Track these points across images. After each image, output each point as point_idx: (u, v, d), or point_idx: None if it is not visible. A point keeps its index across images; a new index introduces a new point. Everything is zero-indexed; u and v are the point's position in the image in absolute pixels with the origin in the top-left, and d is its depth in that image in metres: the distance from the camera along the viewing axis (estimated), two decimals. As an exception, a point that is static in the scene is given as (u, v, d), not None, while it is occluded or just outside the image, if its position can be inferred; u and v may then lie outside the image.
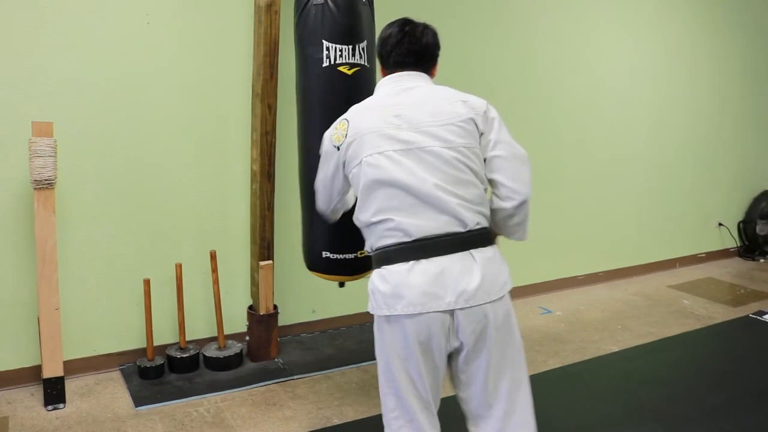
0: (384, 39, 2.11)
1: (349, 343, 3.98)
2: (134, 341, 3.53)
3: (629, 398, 3.40)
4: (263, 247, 3.59)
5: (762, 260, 6.39)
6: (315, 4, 2.83)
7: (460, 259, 1.88)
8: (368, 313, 4.52)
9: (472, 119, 1.97)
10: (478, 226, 1.92)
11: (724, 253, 6.43)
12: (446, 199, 1.87)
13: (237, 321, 3.77)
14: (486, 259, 1.92)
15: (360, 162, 1.95)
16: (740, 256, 6.50)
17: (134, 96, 3.38)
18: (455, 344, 1.93)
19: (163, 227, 3.54)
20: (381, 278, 1.93)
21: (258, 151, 3.50)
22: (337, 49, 2.81)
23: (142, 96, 3.39)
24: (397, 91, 2.04)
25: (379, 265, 1.95)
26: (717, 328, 4.49)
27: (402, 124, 1.94)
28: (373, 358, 3.69)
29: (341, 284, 3.05)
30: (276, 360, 3.67)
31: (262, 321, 3.63)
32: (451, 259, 1.87)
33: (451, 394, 2.14)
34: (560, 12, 4.83)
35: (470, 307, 1.87)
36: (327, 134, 2.12)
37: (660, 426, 3.10)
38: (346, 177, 2.08)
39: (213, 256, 3.53)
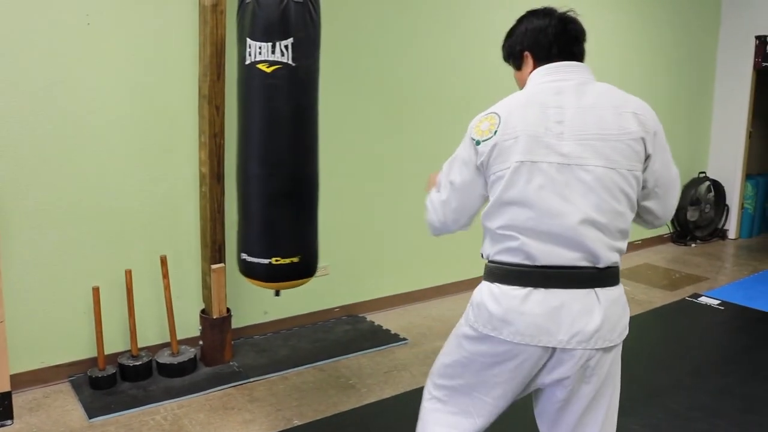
0: (539, 29, 1.85)
1: (303, 342, 3.97)
2: (84, 351, 3.44)
3: (580, 384, 3.51)
4: (214, 250, 3.55)
5: (693, 245, 6.69)
6: (246, 3, 2.80)
7: (583, 297, 1.70)
8: (318, 312, 4.53)
9: (643, 139, 1.73)
10: (611, 264, 1.73)
11: (658, 240, 6.69)
12: (588, 235, 1.68)
13: (189, 325, 3.71)
14: (611, 301, 1.74)
15: (509, 167, 1.69)
16: (673, 241, 6.78)
17: (76, 99, 3.28)
18: (545, 380, 1.80)
19: (111, 233, 3.45)
20: (492, 296, 1.75)
21: (206, 153, 3.45)
22: (257, 47, 2.79)
23: (84, 99, 3.30)
24: (559, 89, 1.77)
25: (492, 280, 1.77)
26: (657, 312, 4.68)
27: (564, 132, 1.69)
28: (329, 357, 3.73)
29: (277, 293, 3.06)
30: (231, 363, 3.64)
31: (216, 325, 3.59)
32: (573, 294, 1.69)
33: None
34: (490, 10, 4.91)
35: (582, 349, 1.71)
36: (469, 128, 1.82)
37: (610, 409, 3.21)
38: (485, 180, 1.78)
39: (164, 261, 3.47)
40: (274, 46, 2.77)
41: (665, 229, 6.75)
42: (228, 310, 3.65)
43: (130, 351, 3.48)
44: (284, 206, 2.89)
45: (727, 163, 6.96)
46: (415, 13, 4.45)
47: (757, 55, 6.61)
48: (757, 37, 6.59)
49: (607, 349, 1.75)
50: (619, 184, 1.70)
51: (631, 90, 6.14)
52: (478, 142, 1.75)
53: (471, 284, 5.19)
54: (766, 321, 4.51)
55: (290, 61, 2.81)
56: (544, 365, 1.77)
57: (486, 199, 1.80)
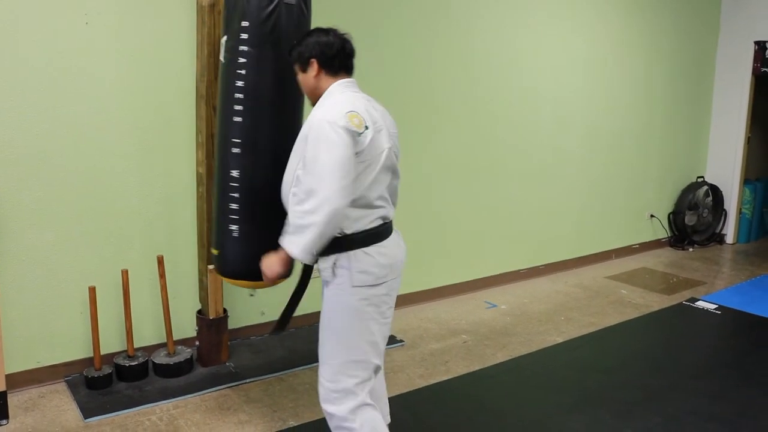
0: (326, 44, 2.38)
1: (300, 343, 3.97)
2: (80, 351, 3.43)
3: (576, 387, 3.51)
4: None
5: (691, 249, 6.69)
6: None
7: (398, 235, 2.46)
8: (315, 313, 4.50)
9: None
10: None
11: (656, 244, 6.69)
12: (395, 197, 2.47)
13: (186, 326, 3.71)
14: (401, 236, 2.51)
15: (382, 152, 2.30)
16: (671, 245, 6.78)
17: (73, 98, 3.28)
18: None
19: (107, 233, 3.45)
20: (379, 253, 2.31)
21: (204, 153, 3.45)
22: None
23: (81, 98, 3.30)
24: (365, 98, 2.38)
25: (367, 243, 2.29)
26: (654, 316, 4.68)
27: (383, 129, 2.34)
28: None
29: (252, 293, 3.08)
30: (227, 364, 3.64)
31: (212, 325, 3.59)
32: (397, 234, 2.45)
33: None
34: (495, 15, 4.92)
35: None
36: (340, 122, 2.18)
37: (606, 412, 3.22)
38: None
39: (160, 261, 3.47)
40: None
41: (663, 233, 6.75)
42: (224, 310, 3.64)
43: (126, 351, 3.47)
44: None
45: (725, 168, 6.97)
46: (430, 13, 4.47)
47: (756, 60, 6.62)
48: (756, 43, 6.60)
49: None
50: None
51: (630, 94, 6.18)
52: (359, 134, 2.22)
53: (467, 287, 5.20)
54: (763, 326, 4.51)
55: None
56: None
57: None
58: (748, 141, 6.87)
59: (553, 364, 3.82)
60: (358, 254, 2.27)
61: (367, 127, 2.23)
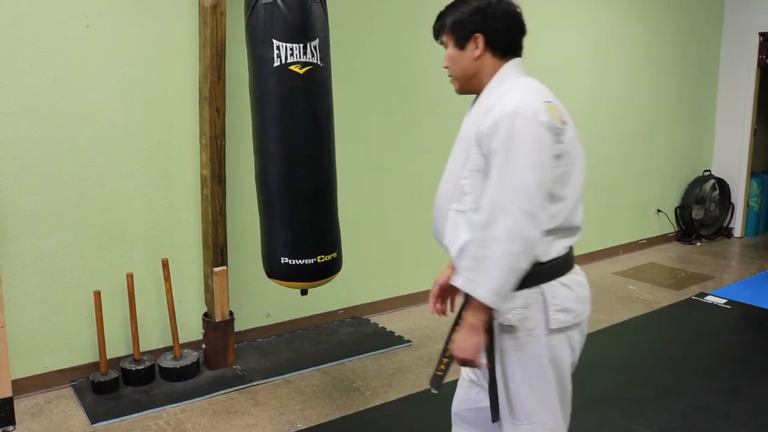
0: (494, 15, 1.81)
1: (307, 345, 3.95)
2: (86, 355, 3.42)
3: (585, 385, 3.45)
4: (216, 252, 3.53)
5: (699, 243, 6.64)
6: (262, 3, 2.78)
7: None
8: (322, 314, 4.49)
9: None
10: None
11: (663, 239, 6.65)
12: None
13: (192, 329, 3.69)
14: None
15: (581, 156, 1.78)
16: (678, 240, 6.74)
17: (75, 102, 3.26)
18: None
19: (112, 237, 3.43)
20: (577, 283, 1.80)
21: (207, 155, 3.43)
22: (288, 48, 2.77)
23: (83, 101, 3.28)
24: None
25: (563, 272, 1.77)
26: (663, 312, 4.64)
27: (568, 121, 1.79)
28: (333, 360, 3.70)
29: (303, 292, 3.05)
30: (234, 367, 3.62)
31: (218, 328, 3.56)
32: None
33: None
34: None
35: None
36: (541, 117, 1.66)
37: (616, 410, 3.19)
38: None
39: (165, 264, 3.45)
40: (305, 47, 2.78)
41: (670, 228, 6.71)
42: (230, 313, 3.62)
43: (132, 355, 3.46)
44: (320, 205, 2.95)
45: (731, 161, 6.92)
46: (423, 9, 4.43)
47: (761, 52, 6.57)
48: (761, 34, 6.55)
49: None
50: None
51: (634, 88, 6.10)
52: (562, 131, 1.70)
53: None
54: (774, 320, 4.47)
55: (318, 62, 2.83)
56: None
57: None
58: (755, 133, 6.82)
59: (562, 362, 3.78)
60: (554, 287, 1.73)
61: (564, 122, 1.71)
